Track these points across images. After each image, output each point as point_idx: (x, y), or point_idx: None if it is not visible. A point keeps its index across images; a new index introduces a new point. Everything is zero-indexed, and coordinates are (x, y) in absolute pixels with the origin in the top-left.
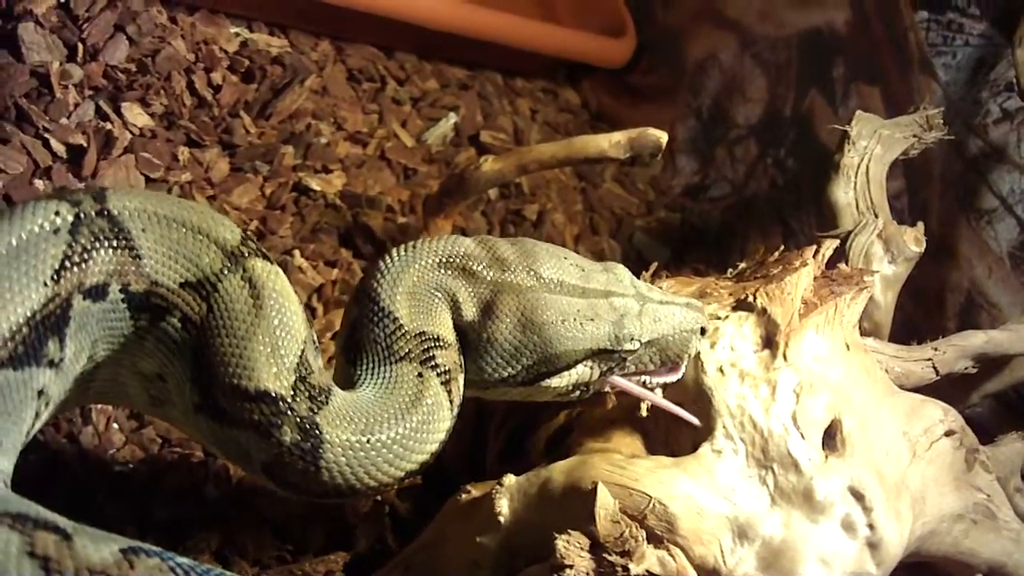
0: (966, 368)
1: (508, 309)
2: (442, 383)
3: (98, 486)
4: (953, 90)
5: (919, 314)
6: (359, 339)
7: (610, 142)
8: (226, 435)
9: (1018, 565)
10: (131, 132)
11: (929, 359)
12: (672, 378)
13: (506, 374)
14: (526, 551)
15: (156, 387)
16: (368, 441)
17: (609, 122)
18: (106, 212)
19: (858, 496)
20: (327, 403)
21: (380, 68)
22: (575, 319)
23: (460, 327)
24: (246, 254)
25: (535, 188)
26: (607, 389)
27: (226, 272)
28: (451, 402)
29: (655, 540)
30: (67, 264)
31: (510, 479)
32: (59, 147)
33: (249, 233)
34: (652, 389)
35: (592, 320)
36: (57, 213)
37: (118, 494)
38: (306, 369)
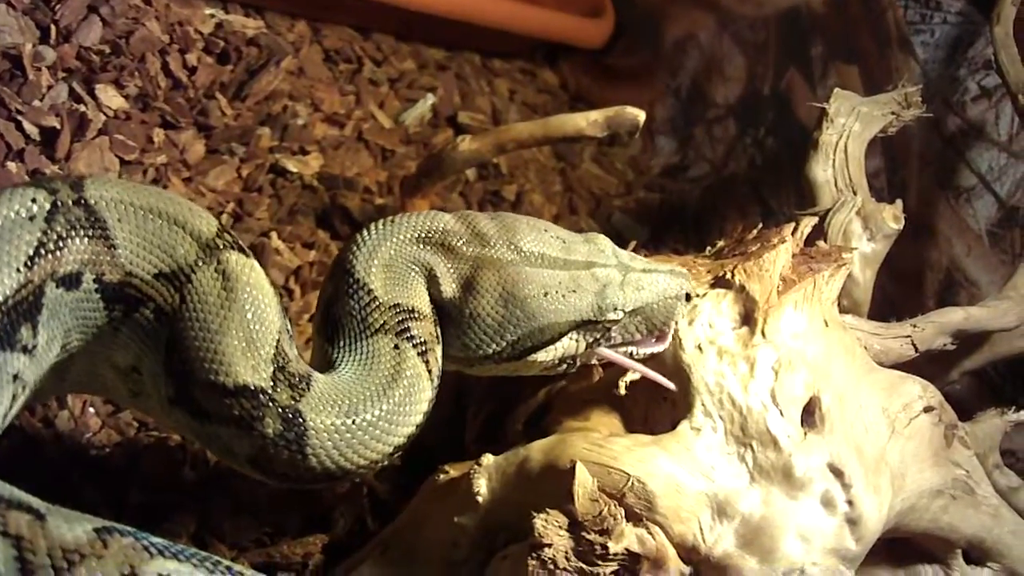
0: (945, 345)
1: (489, 284)
2: (419, 354)
3: (74, 470)
4: (931, 68)
5: (898, 292)
6: (335, 314)
7: (587, 120)
8: (207, 431)
9: (997, 540)
10: (105, 114)
11: (908, 336)
12: (659, 347)
13: (491, 351)
14: (505, 530)
15: (133, 380)
16: (353, 422)
17: (587, 103)
18: (83, 201)
19: (837, 472)
20: (308, 389)
21: (357, 49)
22: (557, 291)
23: (442, 303)
24: (221, 246)
25: (513, 168)
26: (594, 361)
27: (200, 264)
28: (430, 373)
29: (634, 518)
30: (41, 251)
31: (488, 459)
32: (32, 129)
33: (225, 225)
34: (638, 360)
35: (575, 292)
36: (34, 200)
37: (94, 478)
38: (283, 359)
